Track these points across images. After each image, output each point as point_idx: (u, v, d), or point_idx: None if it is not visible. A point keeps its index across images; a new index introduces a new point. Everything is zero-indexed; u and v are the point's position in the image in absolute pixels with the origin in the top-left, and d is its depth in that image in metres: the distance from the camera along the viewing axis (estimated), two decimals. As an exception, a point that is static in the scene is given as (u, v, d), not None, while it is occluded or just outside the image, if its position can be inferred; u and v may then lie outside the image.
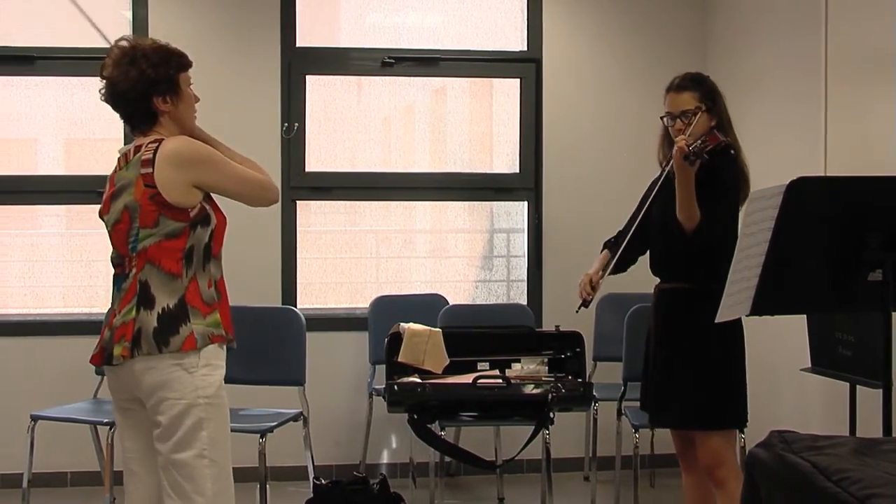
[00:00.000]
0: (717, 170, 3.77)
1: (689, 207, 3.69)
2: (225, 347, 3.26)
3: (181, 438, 3.12)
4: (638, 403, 5.11)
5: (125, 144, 3.38)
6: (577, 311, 4.09)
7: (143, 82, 3.20)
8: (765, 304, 2.94)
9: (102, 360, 3.26)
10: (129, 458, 3.31)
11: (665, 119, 3.95)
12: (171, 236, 3.17)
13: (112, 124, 5.75)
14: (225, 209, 3.38)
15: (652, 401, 4.01)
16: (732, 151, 3.82)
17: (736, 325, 3.79)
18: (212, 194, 3.29)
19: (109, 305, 3.36)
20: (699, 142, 3.65)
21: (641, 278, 4.72)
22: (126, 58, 3.22)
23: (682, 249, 3.79)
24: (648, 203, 3.97)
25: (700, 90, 3.87)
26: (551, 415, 4.63)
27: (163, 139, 3.21)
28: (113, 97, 3.26)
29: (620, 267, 4.11)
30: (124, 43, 3.27)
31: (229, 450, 3.24)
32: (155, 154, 3.17)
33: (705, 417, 3.83)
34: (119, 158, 3.31)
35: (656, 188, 3.94)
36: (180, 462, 3.13)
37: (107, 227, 3.33)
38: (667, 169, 3.93)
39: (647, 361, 4.07)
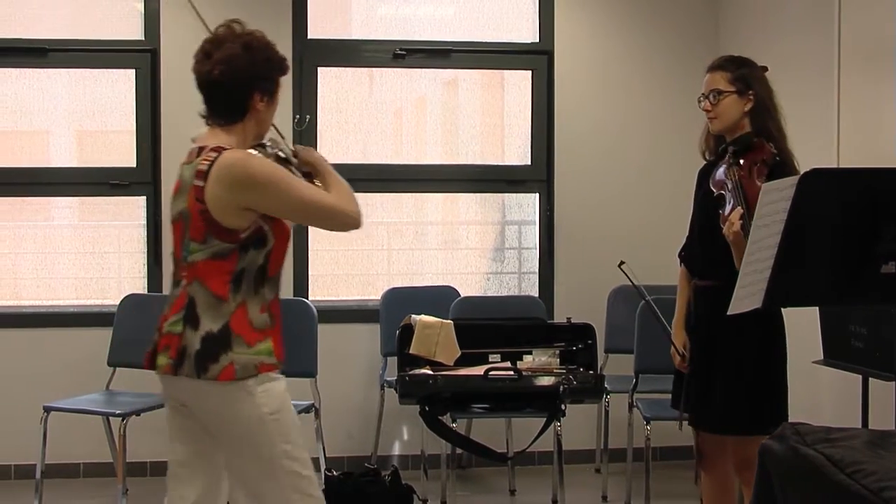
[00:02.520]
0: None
1: None
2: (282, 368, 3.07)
3: (251, 457, 2.98)
4: (649, 395, 5.14)
5: (198, 132, 3.11)
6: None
7: (251, 73, 2.99)
8: (777, 296, 2.92)
9: (150, 364, 3.07)
10: (175, 459, 3.13)
11: (699, 100, 3.80)
12: (220, 256, 2.95)
13: (124, 116, 5.78)
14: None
15: (691, 402, 3.84)
16: (778, 158, 3.64)
17: (778, 325, 3.71)
18: None
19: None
20: (744, 220, 3.41)
21: (654, 270, 4.72)
22: (238, 41, 3.00)
23: (720, 249, 3.60)
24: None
25: (734, 71, 3.73)
26: (563, 407, 4.63)
27: (223, 150, 2.95)
28: (210, 80, 2.99)
29: None
30: (237, 26, 3.04)
31: (307, 456, 3.09)
32: (210, 167, 2.92)
33: (747, 423, 3.69)
34: (190, 150, 3.07)
35: (703, 186, 3.80)
36: (268, 485, 2.98)
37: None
38: (709, 159, 3.87)
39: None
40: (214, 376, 2.91)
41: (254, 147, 3.14)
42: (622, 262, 3.96)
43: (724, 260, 3.59)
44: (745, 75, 3.75)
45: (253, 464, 3.01)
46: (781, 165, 3.64)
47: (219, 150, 2.95)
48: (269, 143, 3.20)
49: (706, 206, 3.77)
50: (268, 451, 2.98)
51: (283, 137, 3.25)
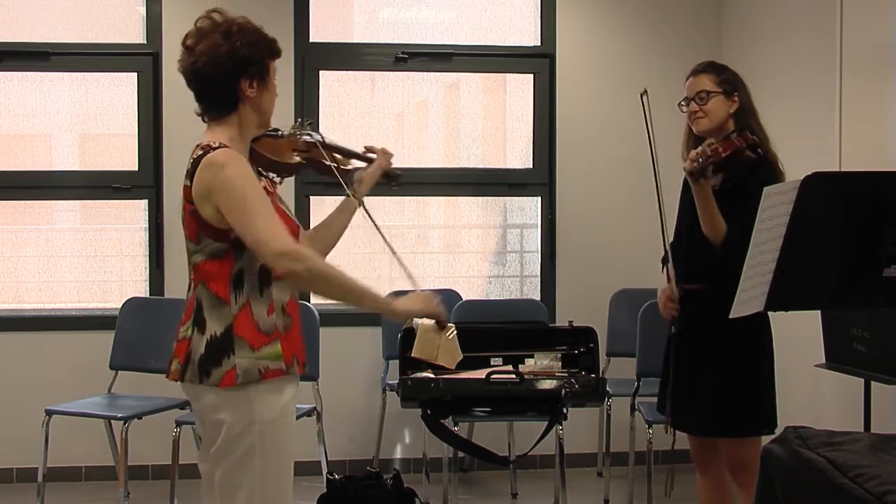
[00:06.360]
0: (743, 176, 3.62)
1: (709, 221, 3.59)
2: (295, 373, 2.99)
3: (234, 463, 2.87)
4: (651, 399, 5.11)
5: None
6: (672, 334, 3.85)
7: (235, 60, 2.89)
8: (779, 299, 2.92)
9: (169, 372, 3.00)
10: (203, 468, 3.05)
11: (682, 105, 3.85)
12: (216, 256, 2.87)
13: (126, 119, 5.78)
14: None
15: (672, 404, 3.84)
16: (760, 150, 3.64)
17: (763, 327, 3.71)
18: (277, 203, 2.99)
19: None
20: (703, 158, 3.49)
21: (655, 274, 4.71)
22: (218, 30, 2.91)
23: (707, 251, 3.64)
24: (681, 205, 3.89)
25: (719, 74, 3.78)
26: (565, 410, 4.62)
27: (210, 148, 2.85)
28: (195, 72, 2.90)
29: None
30: (216, 16, 2.95)
31: (286, 480, 2.95)
32: (195, 166, 2.84)
33: (728, 425, 3.70)
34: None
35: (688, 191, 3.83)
36: (230, 486, 2.89)
37: None
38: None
39: (667, 362, 3.89)
40: (216, 382, 2.83)
41: (269, 134, 3.09)
42: (644, 91, 3.83)
43: (710, 263, 3.63)
44: (729, 78, 3.81)
45: (233, 472, 2.90)
46: (766, 164, 3.66)
47: (206, 147, 2.86)
48: (284, 132, 3.13)
49: (691, 210, 3.78)
50: (251, 465, 2.87)
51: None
